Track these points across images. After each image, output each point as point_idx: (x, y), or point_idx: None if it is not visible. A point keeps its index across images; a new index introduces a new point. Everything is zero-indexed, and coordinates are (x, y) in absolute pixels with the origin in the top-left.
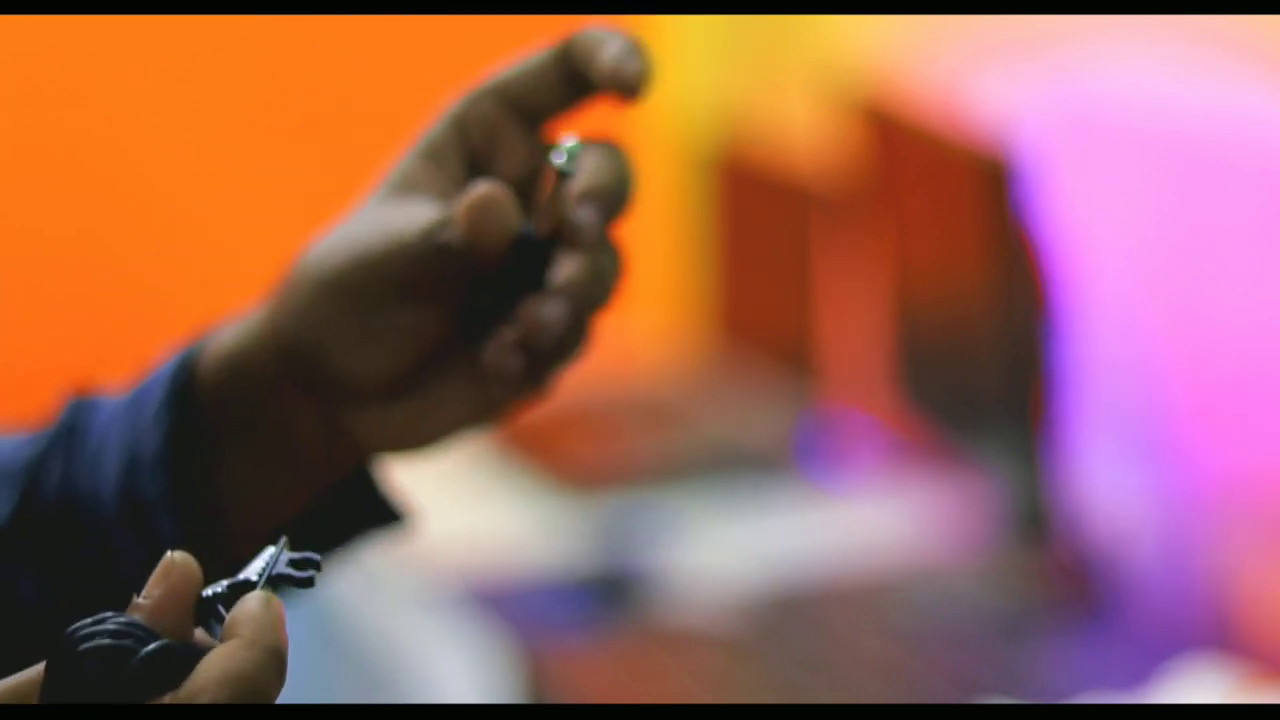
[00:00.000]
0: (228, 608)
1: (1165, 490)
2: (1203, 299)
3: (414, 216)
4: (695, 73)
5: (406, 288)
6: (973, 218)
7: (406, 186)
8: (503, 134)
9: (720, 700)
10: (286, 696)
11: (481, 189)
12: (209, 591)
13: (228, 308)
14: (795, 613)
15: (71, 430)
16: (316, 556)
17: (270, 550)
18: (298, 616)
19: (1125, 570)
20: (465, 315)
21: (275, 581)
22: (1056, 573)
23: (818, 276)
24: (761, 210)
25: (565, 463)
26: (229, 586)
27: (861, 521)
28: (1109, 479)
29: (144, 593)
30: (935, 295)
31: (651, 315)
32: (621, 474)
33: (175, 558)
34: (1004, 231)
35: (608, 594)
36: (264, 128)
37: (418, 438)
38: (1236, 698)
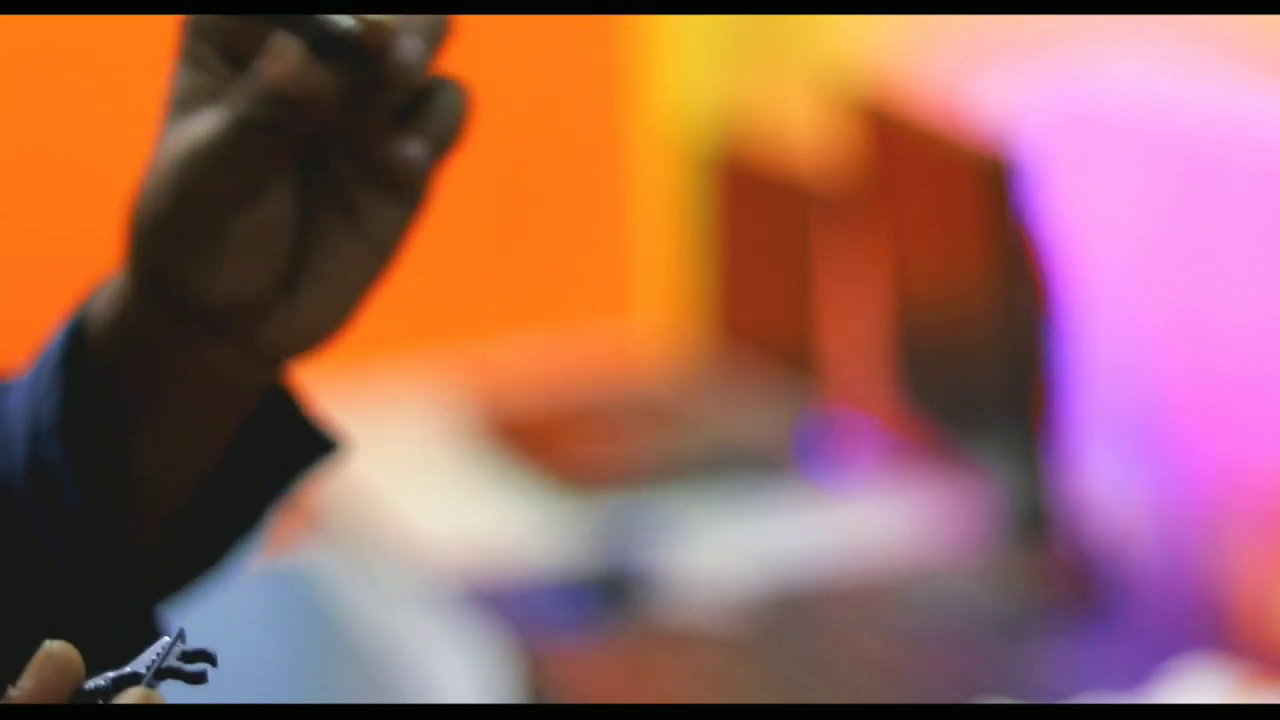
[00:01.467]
0: (109, 701)
1: (1164, 490)
2: (1201, 298)
3: (200, 125)
4: (695, 73)
5: (226, 195)
6: (973, 218)
7: (188, 103)
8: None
9: (720, 700)
10: (289, 695)
11: (280, 52)
12: (91, 685)
13: None
14: (795, 613)
15: None
16: (210, 651)
17: (164, 641)
18: (300, 613)
19: (1125, 570)
20: (311, 173)
21: (164, 675)
22: (1056, 573)
23: (818, 276)
24: (761, 210)
25: (565, 463)
26: (113, 680)
27: (861, 521)
28: (1108, 478)
29: (19, 684)
30: (935, 295)
31: (651, 315)
32: (621, 474)
33: (53, 649)
34: (1004, 231)
35: (608, 594)
36: None
37: (335, 312)
38: (1236, 698)
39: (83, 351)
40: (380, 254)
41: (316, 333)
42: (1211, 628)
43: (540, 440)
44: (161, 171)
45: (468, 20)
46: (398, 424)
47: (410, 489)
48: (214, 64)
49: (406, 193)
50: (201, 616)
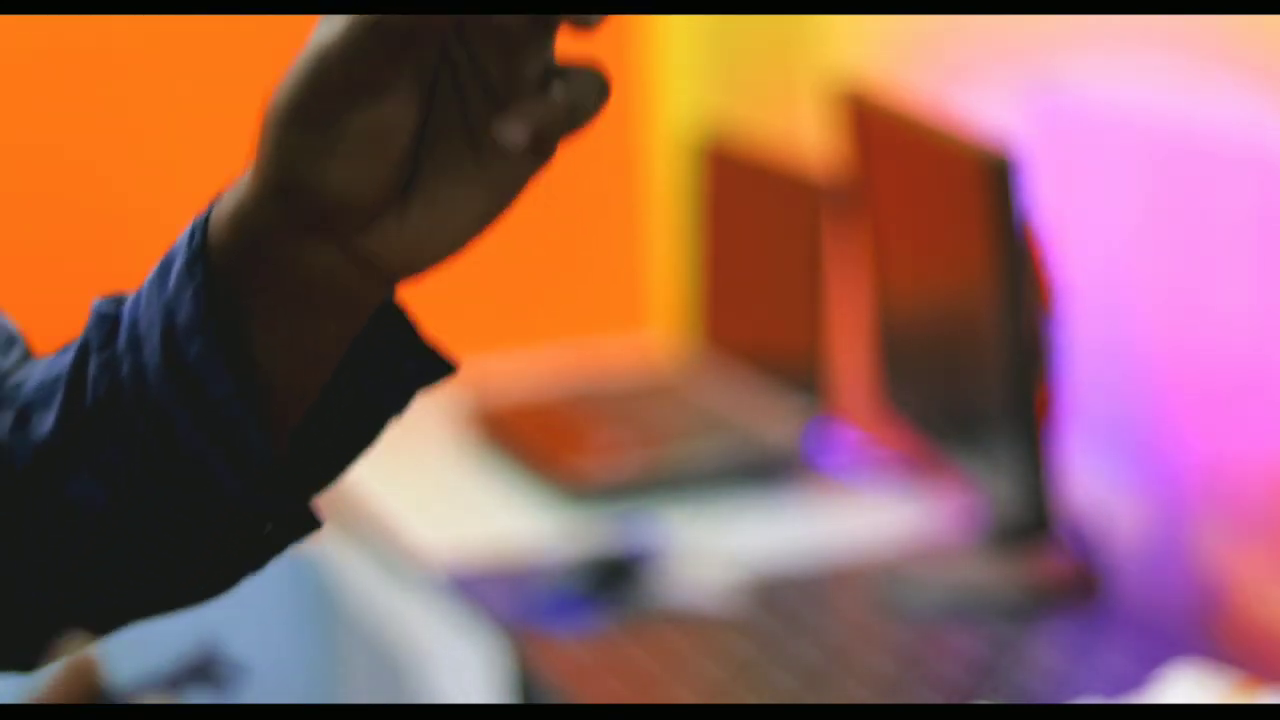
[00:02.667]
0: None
1: (1157, 489)
2: (1190, 298)
3: (340, 20)
4: (690, 76)
5: (350, 89)
6: (969, 220)
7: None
8: None
9: (712, 681)
10: (292, 690)
11: None
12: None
13: None
14: (789, 619)
15: (101, 320)
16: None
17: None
18: (302, 607)
19: (1122, 572)
20: (444, 95)
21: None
22: (1054, 576)
23: (820, 281)
24: (761, 213)
25: (568, 464)
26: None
27: (860, 527)
28: (1101, 479)
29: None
30: (933, 298)
31: (656, 318)
32: (622, 476)
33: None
34: (1000, 232)
35: (609, 592)
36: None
37: (442, 239)
38: (1230, 699)
39: (207, 254)
40: (496, 196)
41: (420, 254)
42: (1204, 628)
43: (543, 442)
44: (295, 64)
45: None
46: (403, 424)
47: (416, 488)
48: None
49: (533, 151)
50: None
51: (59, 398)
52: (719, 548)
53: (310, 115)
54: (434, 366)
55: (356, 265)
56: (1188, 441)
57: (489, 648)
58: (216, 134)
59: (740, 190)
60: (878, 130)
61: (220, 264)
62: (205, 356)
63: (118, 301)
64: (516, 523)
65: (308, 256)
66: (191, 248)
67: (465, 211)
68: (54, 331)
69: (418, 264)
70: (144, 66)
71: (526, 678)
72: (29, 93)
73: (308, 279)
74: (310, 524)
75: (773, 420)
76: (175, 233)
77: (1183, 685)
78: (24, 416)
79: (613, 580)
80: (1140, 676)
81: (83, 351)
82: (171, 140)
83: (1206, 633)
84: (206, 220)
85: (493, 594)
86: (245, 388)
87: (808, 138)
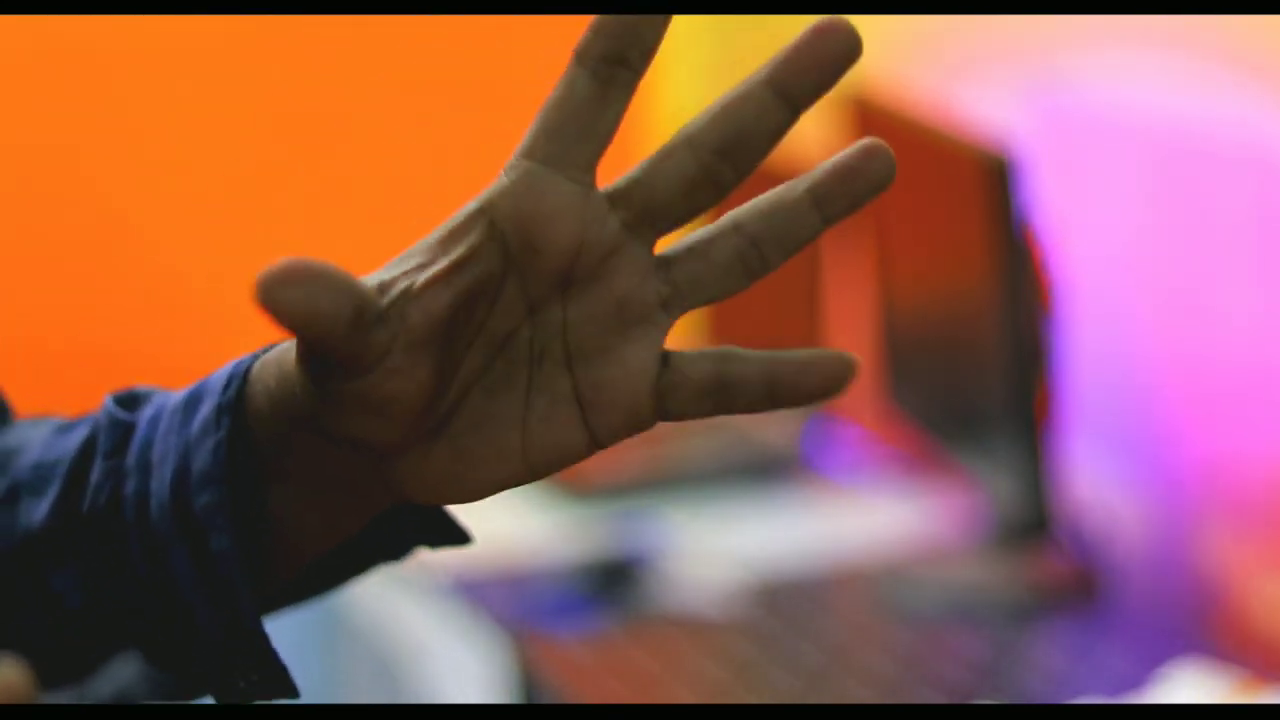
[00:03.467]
0: None
1: (1155, 488)
2: (1190, 297)
3: (342, 285)
4: (690, 76)
5: (357, 359)
6: (970, 219)
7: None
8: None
9: (709, 681)
10: (303, 681)
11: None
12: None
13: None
14: (790, 620)
15: (113, 425)
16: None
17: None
18: (302, 607)
19: (1122, 572)
20: (502, 356)
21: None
22: (1054, 576)
23: (820, 281)
24: None
25: (575, 468)
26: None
27: (860, 527)
28: (1101, 478)
29: None
30: (934, 298)
31: None
32: (622, 477)
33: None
34: (1001, 232)
35: (610, 593)
36: (279, 125)
37: (462, 488)
38: (1231, 699)
39: (242, 408)
40: (528, 469)
41: (440, 493)
42: (1205, 628)
43: None
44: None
45: (480, 20)
46: None
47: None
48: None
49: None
50: None
51: (55, 489)
52: (719, 548)
53: (312, 371)
54: (449, 536)
55: (381, 478)
56: (1188, 441)
57: (490, 648)
58: (216, 134)
59: (740, 190)
60: (878, 130)
61: (254, 426)
62: (213, 508)
63: (132, 401)
64: (517, 523)
65: (344, 459)
66: (225, 396)
67: (489, 474)
68: (53, 332)
69: (438, 500)
70: (144, 66)
71: (527, 678)
72: (29, 93)
73: (342, 475)
74: (284, 689)
75: (773, 420)
76: (174, 234)
77: (1183, 685)
78: (14, 494)
79: (613, 581)
80: (1140, 676)
81: (88, 448)
82: (171, 140)
83: (1207, 632)
84: (247, 372)
85: (494, 594)
86: (247, 550)
87: (808, 138)
